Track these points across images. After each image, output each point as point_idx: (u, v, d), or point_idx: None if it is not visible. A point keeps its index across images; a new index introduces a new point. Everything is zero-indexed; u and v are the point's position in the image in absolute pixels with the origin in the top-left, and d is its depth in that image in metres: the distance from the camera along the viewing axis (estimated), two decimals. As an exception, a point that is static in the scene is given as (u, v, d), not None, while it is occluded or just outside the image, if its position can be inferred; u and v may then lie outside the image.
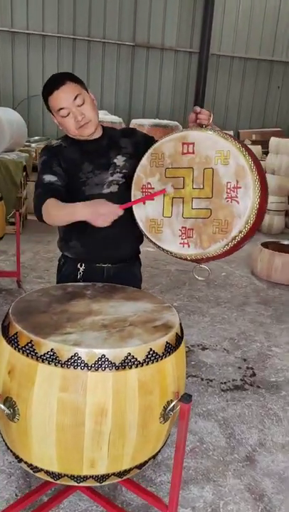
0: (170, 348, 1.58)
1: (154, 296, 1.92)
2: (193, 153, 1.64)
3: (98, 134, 1.95)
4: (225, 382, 2.91)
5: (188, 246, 1.68)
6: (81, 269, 2.03)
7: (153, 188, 1.75)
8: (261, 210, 1.59)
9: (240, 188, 1.55)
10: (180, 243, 1.70)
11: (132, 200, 1.78)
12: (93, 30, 9.69)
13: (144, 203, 1.76)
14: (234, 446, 2.34)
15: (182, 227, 1.69)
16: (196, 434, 2.40)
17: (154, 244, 1.78)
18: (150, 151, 1.73)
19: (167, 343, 1.57)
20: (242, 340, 3.50)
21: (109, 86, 10.13)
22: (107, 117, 7.26)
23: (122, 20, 9.78)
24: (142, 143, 1.92)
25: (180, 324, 1.72)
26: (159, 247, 1.77)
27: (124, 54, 10.04)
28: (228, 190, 1.57)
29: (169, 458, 2.16)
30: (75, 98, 1.78)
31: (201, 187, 1.63)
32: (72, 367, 1.41)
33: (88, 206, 1.71)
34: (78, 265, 2.01)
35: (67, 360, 1.41)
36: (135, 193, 1.79)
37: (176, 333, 1.65)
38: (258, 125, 10.59)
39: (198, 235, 1.65)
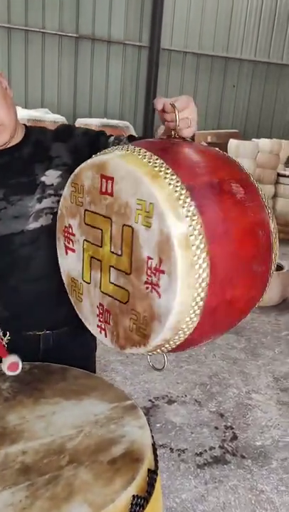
0: (139, 504, 0.93)
1: (107, 384, 1.26)
2: (111, 195, 0.93)
3: (18, 139, 1.26)
4: (201, 453, 2.28)
5: (106, 335, 1.01)
6: (4, 340, 1.34)
7: (74, 235, 1.04)
8: (219, 309, 0.87)
9: (162, 272, 0.84)
10: (98, 326, 1.02)
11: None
12: (31, 19, 8.83)
13: None
14: None
15: (100, 305, 1.01)
16: None
17: None
18: (71, 177, 1.02)
19: (135, 497, 0.91)
20: (215, 386, 2.89)
21: (51, 81, 9.29)
22: (48, 116, 6.51)
23: (63, 9, 8.99)
24: (84, 145, 1.25)
25: (153, 445, 1.07)
26: None
27: (67, 46, 9.25)
28: (149, 272, 0.86)
29: None
30: None
31: (119, 253, 0.93)
32: None
33: None
34: (0, 335, 1.33)
35: None
36: (59, 236, 1.09)
37: (149, 470, 0.99)
38: (214, 126, 10.11)
39: (114, 323, 0.98)
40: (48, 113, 6.87)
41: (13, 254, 1.24)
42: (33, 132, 1.32)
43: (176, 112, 0.94)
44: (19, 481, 0.88)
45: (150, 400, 2.67)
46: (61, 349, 1.36)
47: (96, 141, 1.25)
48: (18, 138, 1.27)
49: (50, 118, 6.40)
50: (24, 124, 1.33)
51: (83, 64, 9.49)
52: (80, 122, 6.77)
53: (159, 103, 0.96)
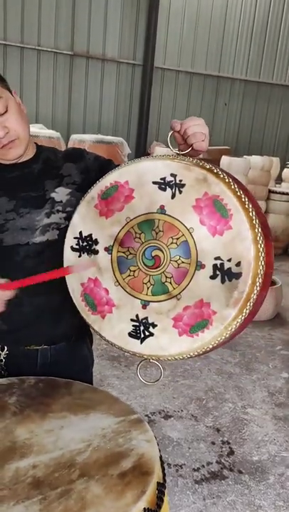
0: (149, 517, 0.93)
1: (113, 398, 1.27)
2: None
3: (28, 156, 1.31)
4: (198, 469, 2.28)
5: None
6: (2, 354, 1.35)
7: None
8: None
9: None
10: None
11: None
12: (26, 37, 8.92)
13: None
14: None
15: None
16: None
17: None
18: None
19: (146, 510, 0.93)
20: (211, 401, 2.90)
21: (46, 98, 9.37)
22: (43, 132, 6.54)
23: (58, 27, 9.10)
24: (94, 169, 1.30)
25: (160, 458, 1.08)
26: None
27: (62, 63, 9.34)
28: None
29: None
30: None
31: None
32: None
33: None
34: None
35: None
36: None
37: (158, 483, 1.01)
38: (206, 143, 10.26)
39: None
40: (42, 128, 6.91)
41: (18, 266, 1.25)
42: (44, 150, 1.36)
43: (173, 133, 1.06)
44: (32, 495, 0.88)
45: (147, 415, 2.68)
46: (59, 364, 1.36)
47: (107, 168, 1.30)
48: (29, 154, 1.31)
49: (45, 134, 6.42)
50: (35, 143, 1.38)
51: (78, 81, 9.57)
52: (75, 138, 6.80)
53: (177, 124, 1.05)
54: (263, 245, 0.89)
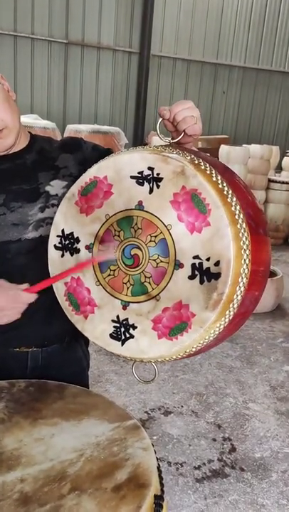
0: (146, 535, 0.87)
1: (108, 402, 1.20)
2: None
3: (21, 146, 1.24)
4: (199, 467, 2.22)
5: None
6: None
7: None
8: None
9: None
10: None
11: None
12: (20, 25, 8.76)
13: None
14: None
15: None
16: None
17: None
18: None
19: (142, 526, 0.86)
20: (211, 396, 2.84)
21: (40, 87, 9.22)
22: (38, 122, 6.44)
23: (52, 15, 8.93)
24: (92, 160, 1.22)
25: (158, 468, 1.02)
26: None
27: (56, 52, 9.18)
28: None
29: None
30: None
31: None
32: None
33: None
34: None
35: None
36: None
37: (155, 496, 0.95)
38: (204, 132, 10.11)
39: None
40: (37, 119, 6.81)
41: (9, 264, 1.19)
42: (38, 140, 1.28)
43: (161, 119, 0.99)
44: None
45: (146, 412, 2.61)
46: (51, 367, 1.30)
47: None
48: (22, 144, 1.24)
49: (40, 124, 6.32)
50: (29, 132, 1.30)
51: (73, 70, 9.42)
52: (71, 128, 6.69)
53: (166, 112, 0.98)
54: (247, 242, 0.84)
